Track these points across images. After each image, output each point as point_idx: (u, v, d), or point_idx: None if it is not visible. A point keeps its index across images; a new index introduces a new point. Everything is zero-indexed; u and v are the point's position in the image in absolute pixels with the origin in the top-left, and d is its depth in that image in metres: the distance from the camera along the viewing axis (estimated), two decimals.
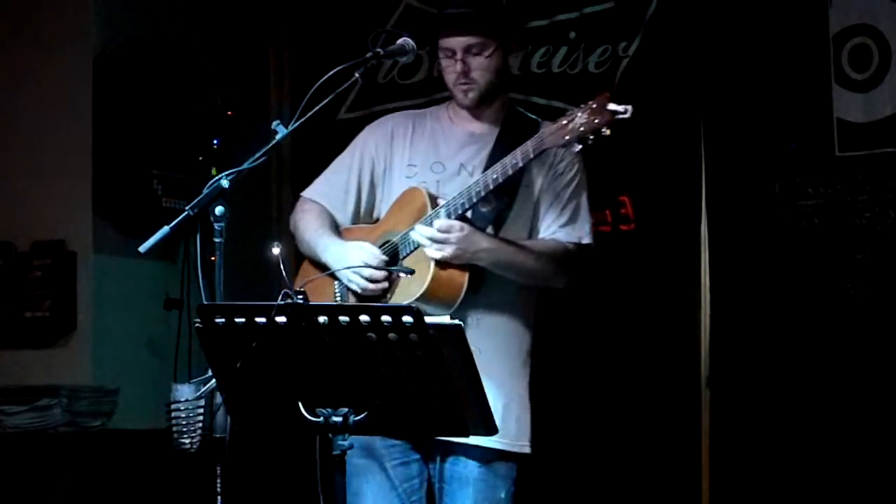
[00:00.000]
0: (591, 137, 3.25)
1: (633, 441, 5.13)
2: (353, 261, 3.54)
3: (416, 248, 3.50)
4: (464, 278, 3.44)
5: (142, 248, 3.12)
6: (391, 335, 2.77)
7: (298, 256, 5.86)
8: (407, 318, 2.74)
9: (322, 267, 3.63)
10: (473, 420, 2.92)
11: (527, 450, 3.60)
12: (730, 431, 5.01)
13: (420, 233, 3.45)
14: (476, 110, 3.65)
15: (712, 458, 5.04)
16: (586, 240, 3.62)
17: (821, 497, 4.83)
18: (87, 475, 4.88)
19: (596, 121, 3.23)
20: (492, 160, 3.54)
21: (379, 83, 5.75)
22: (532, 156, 3.36)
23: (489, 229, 3.53)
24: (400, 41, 3.49)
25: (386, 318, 2.75)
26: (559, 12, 5.40)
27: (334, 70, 3.30)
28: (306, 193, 3.82)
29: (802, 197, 4.96)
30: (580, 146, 3.28)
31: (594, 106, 3.24)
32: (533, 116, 3.71)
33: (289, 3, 6.09)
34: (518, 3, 5.09)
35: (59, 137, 5.39)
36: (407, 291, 3.47)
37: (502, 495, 3.56)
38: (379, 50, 3.46)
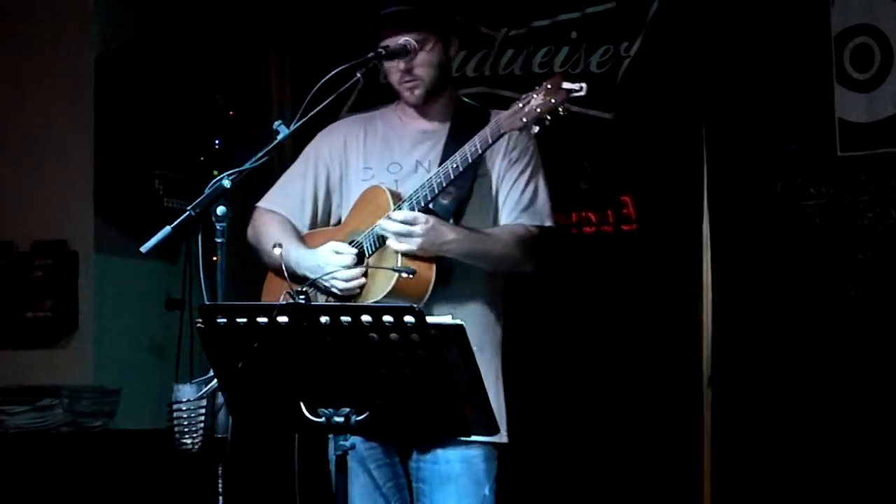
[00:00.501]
0: (548, 118, 3.26)
1: (635, 441, 5.13)
2: (330, 263, 3.50)
3: (380, 246, 3.47)
4: (431, 272, 3.42)
5: (143, 249, 3.12)
6: (393, 335, 2.77)
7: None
8: (409, 319, 2.75)
9: (294, 278, 3.50)
10: (475, 420, 2.92)
11: (505, 439, 3.55)
12: (731, 431, 5.01)
13: (384, 227, 3.42)
14: (424, 107, 3.65)
15: (714, 458, 5.03)
16: (548, 222, 3.62)
17: (821, 497, 4.83)
18: (88, 475, 4.88)
19: (552, 100, 3.24)
20: (447, 153, 3.53)
21: (381, 83, 5.74)
22: (491, 141, 3.36)
23: (450, 221, 3.51)
24: (401, 41, 3.49)
25: (388, 318, 2.75)
26: (561, 12, 5.40)
27: (336, 70, 3.30)
28: (262, 204, 3.77)
29: (804, 197, 4.96)
30: (537, 127, 3.28)
31: (548, 86, 3.25)
32: (479, 106, 3.71)
33: (290, 3, 6.08)
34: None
35: (61, 137, 5.39)
36: (375, 289, 3.44)
37: (486, 492, 3.52)
38: (381, 49, 3.46)
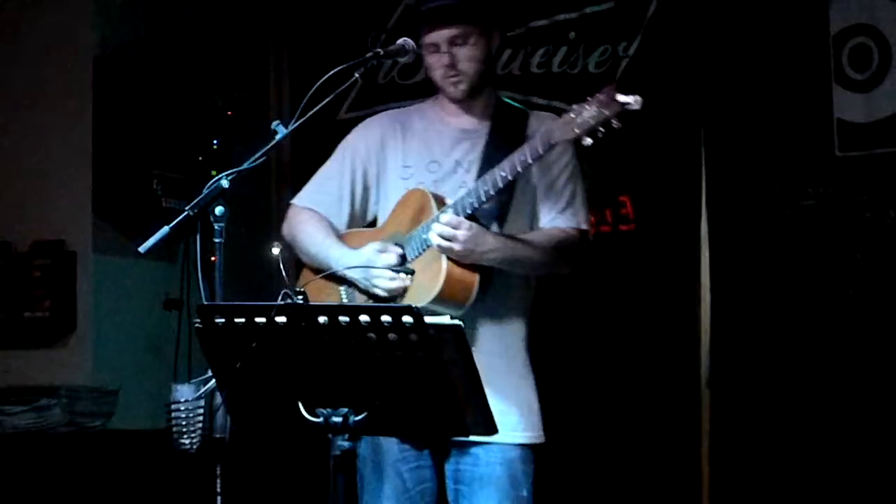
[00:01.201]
0: (602, 130, 3.21)
1: (633, 442, 5.13)
2: (375, 262, 3.48)
3: (425, 251, 3.46)
4: (475, 278, 3.41)
5: (142, 249, 3.11)
6: (391, 335, 2.77)
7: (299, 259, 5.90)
8: (407, 319, 2.74)
9: (332, 277, 3.58)
10: (473, 420, 2.92)
11: (542, 439, 3.58)
12: (730, 432, 5.01)
13: (433, 228, 3.39)
14: (465, 104, 3.62)
15: (712, 459, 5.04)
16: (584, 225, 3.59)
17: (821, 497, 4.83)
18: (86, 475, 4.88)
19: (605, 112, 3.19)
20: (486, 155, 3.54)
21: (379, 83, 5.75)
22: (541, 152, 3.31)
23: (493, 225, 3.51)
24: (400, 41, 3.48)
25: (386, 318, 2.75)
26: (559, 12, 5.40)
27: (334, 70, 3.30)
28: (299, 202, 3.76)
29: (802, 197, 4.96)
30: (590, 140, 3.23)
31: (602, 98, 3.20)
32: (519, 106, 3.69)
33: (289, 3, 6.09)
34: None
35: (59, 138, 5.40)
36: (419, 294, 3.43)
37: (524, 493, 3.53)
38: (379, 50, 3.45)
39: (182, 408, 4.68)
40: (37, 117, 5.43)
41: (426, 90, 5.63)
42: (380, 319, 2.75)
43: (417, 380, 2.82)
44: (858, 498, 4.76)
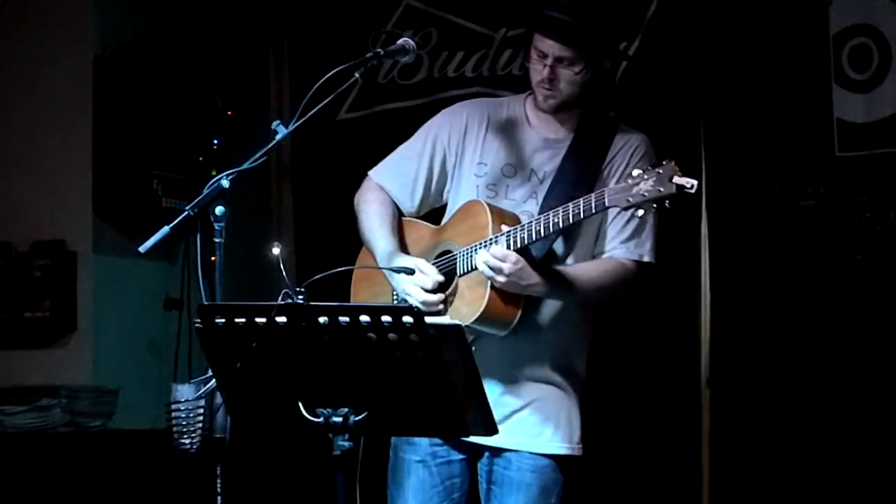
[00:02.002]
0: (655, 206, 3.18)
1: (634, 441, 5.13)
2: (410, 281, 3.48)
3: (472, 270, 3.45)
4: (517, 308, 3.42)
5: (142, 249, 3.11)
6: (391, 335, 2.77)
7: (299, 256, 5.90)
8: (407, 319, 2.74)
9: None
10: (473, 420, 2.92)
11: (579, 452, 3.60)
12: (730, 431, 5.01)
13: (479, 257, 3.39)
14: (554, 115, 3.58)
15: (712, 458, 5.04)
16: (647, 258, 3.53)
17: (821, 497, 4.83)
18: (87, 475, 4.88)
19: (660, 190, 3.15)
20: (563, 168, 3.51)
21: (379, 83, 5.75)
22: (594, 211, 3.27)
23: (560, 242, 3.49)
24: (400, 41, 3.46)
25: (386, 318, 2.75)
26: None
27: (334, 70, 3.29)
28: (374, 175, 3.74)
29: (802, 197, 4.96)
30: (641, 211, 3.21)
31: (660, 172, 3.16)
32: (609, 116, 3.64)
33: (289, 3, 6.08)
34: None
35: (60, 137, 5.39)
36: (463, 311, 3.44)
37: (553, 500, 3.56)
38: (379, 50, 3.43)
39: (182, 408, 4.68)
40: (37, 117, 5.42)
41: (426, 90, 5.68)
42: (380, 319, 2.75)
43: (418, 380, 2.82)
44: (858, 498, 4.76)
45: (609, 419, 5.17)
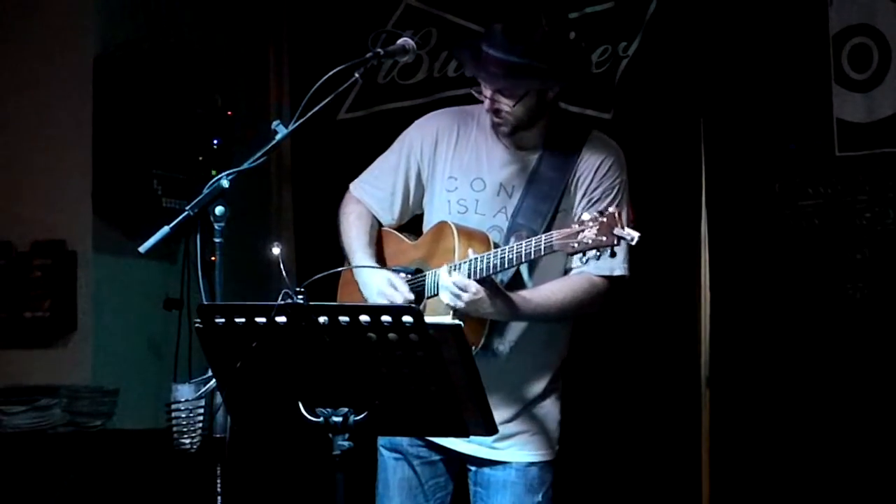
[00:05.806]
0: (598, 254, 3.23)
1: (634, 440, 5.13)
2: (384, 294, 3.51)
3: (438, 293, 3.48)
4: (483, 326, 3.47)
5: (142, 248, 3.11)
6: (391, 335, 2.77)
7: (299, 256, 5.90)
8: (407, 319, 2.75)
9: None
10: (472, 420, 2.92)
11: (552, 456, 3.65)
12: (730, 431, 5.02)
13: (442, 282, 3.43)
14: (515, 136, 3.58)
15: (712, 458, 5.04)
16: (619, 271, 3.55)
17: (821, 497, 4.83)
18: (87, 475, 4.88)
19: (603, 239, 3.21)
20: (531, 182, 3.53)
21: (379, 83, 5.75)
22: (543, 253, 3.31)
23: (510, 276, 3.52)
24: (400, 41, 3.47)
25: (386, 318, 2.75)
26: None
27: (334, 70, 3.29)
28: (354, 189, 3.79)
29: (802, 197, 4.96)
30: (587, 258, 3.27)
31: (603, 221, 3.20)
32: (577, 121, 3.65)
33: (289, 3, 6.09)
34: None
35: (60, 137, 5.39)
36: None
37: (539, 499, 3.59)
38: (379, 50, 3.43)
39: (182, 408, 4.69)
40: (37, 117, 5.42)
41: (426, 90, 5.69)
42: (380, 319, 2.75)
43: (417, 380, 2.83)
44: (858, 497, 4.76)
45: (609, 419, 5.18)
